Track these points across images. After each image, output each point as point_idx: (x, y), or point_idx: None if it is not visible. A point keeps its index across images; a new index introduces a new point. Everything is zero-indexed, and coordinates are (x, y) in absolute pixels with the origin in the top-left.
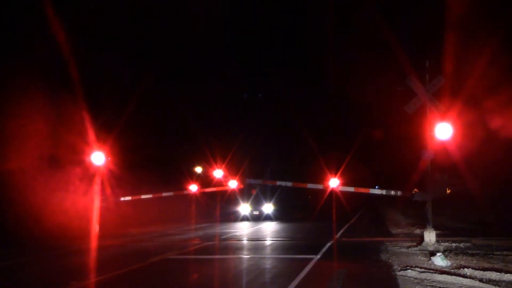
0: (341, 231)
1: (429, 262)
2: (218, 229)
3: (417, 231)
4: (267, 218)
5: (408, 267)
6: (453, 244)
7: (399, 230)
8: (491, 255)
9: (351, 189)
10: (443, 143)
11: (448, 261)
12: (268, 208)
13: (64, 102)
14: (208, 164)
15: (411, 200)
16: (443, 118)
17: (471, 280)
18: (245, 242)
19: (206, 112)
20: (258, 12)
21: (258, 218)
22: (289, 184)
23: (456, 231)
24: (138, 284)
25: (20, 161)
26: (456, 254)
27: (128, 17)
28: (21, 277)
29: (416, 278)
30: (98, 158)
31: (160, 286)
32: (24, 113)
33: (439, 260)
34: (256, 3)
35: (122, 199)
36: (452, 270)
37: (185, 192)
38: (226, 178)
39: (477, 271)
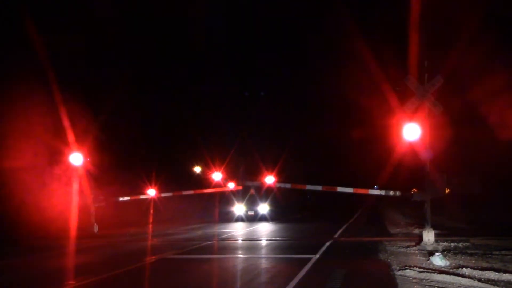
0: (340, 230)
1: (428, 261)
2: (215, 229)
3: (416, 231)
4: (263, 218)
5: (407, 267)
6: (452, 244)
7: (398, 230)
8: (489, 255)
9: (350, 190)
10: (441, 143)
11: (447, 260)
12: (263, 208)
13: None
14: (206, 166)
15: (410, 200)
16: (441, 117)
17: (469, 279)
18: (243, 242)
19: (205, 113)
20: (256, 11)
21: (253, 218)
22: (288, 185)
23: (454, 231)
24: (136, 284)
25: (15, 161)
26: (454, 253)
27: (122, 15)
28: (16, 277)
29: (414, 278)
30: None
31: (158, 286)
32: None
33: (438, 260)
34: (256, 3)
35: (120, 199)
36: (451, 270)
37: (184, 193)
38: (225, 180)
39: (476, 270)
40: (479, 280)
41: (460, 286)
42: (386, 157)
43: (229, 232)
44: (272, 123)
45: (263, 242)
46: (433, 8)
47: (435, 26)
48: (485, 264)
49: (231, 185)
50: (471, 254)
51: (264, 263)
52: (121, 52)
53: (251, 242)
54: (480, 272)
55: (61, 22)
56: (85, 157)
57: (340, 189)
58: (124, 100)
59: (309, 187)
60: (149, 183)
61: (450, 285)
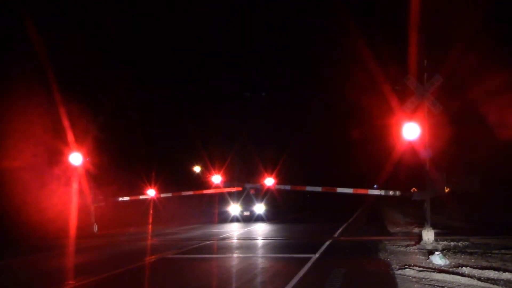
0: (340, 230)
1: (428, 261)
2: (211, 229)
3: (416, 230)
4: (259, 218)
5: (407, 266)
6: (452, 243)
7: (398, 229)
8: (489, 254)
9: (349, 190)
10: (441, 142)
11: (447, 259)
12: (259, 208)
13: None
14: (206, 169)
15: (410, 199)
16: (441, 117)
17: (469, 278)
18: (242, 241)
19: (205, 113)
20: (257, 11)
21: (249, 219)
22: (288, 187)
23: (454, 230)
24: (136, 284)
25: (15, 161)
26: (454, 252)
27: (121, 15)
28: (16, 278)
29: (414, 277)
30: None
31: (157, 285)
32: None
33: (438, 259)
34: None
35: (120, 199)
36: (451, 269)
37: (184, 193)
38: (225, 183)
39: (476, 269)
40: (479, 279)
41: (460, 285)
42: (386, 157)
43: (226, 233)
44: (272, 124)
45: (262, 242)
46: (433, 8)
47: (434, 25)
48: (484, 263)
49: (227, 184)
50: (470, 253)
51: (263, 263)
52: (121, 52)
53: (250, 242)
54: (480, 271)
55: (61, 22)
56: (84, 157)
57: (340, 190)
58: (124, 100)
59: (308, 188)
60: (149, 183)
61: (449, 284)
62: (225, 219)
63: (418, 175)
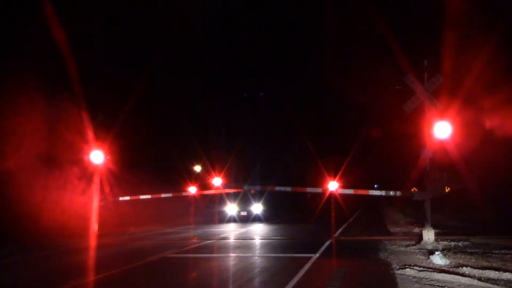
0: (340, 230)
1: (428, 260)
2: (212, 229)
3: (416, 230)
4: (256, 219)
5: (407, 266)
6: (452, 243)
7: (398, 229)
8: (489, 254)
9: (350, 191)
10: (442, 142)
11: (447, 259)
12: (257, 208)
13: (63, 100)
14: (207, 172)
15: (411, 199)
16: (441, 117)
17: (469, 278)
18: (242, 241)
19: (206, 115)
20: (256, 11)
21: (247, 219)
22: (288, 189)
23: (454, 230)
24: (137, 282)
25: (18, 160)
26: (454, 252)
27: (127, 15)
28: (20, 275)
29: (414, 277)
30: (97, 156)
31: (159, 285)
32: (22, 111)
33: (438, 259)
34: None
35: (120, 198)
36: (451, 269)
37: (184, 194)
38: (225, 185)
39: (476, 269)
40: (479, 279)
41: (460, 285)
42: (387, 155)
43: (224, 233)
44: (272, 125)
45: (262, 242)
46: (434, 7)
47: (435, 24)
48: (485, 263)
49: (227, 186)
50: (471, 253)
51: (263, 262)
52: (122, 51)
53: (250, 241)
54: (480, 271)
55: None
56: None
57: (340, 191)
58: (127, 101)
59: (309, 189)
60: (149, 184)
61: (450, 284)
62: (221, 219)
63: (419, 175)
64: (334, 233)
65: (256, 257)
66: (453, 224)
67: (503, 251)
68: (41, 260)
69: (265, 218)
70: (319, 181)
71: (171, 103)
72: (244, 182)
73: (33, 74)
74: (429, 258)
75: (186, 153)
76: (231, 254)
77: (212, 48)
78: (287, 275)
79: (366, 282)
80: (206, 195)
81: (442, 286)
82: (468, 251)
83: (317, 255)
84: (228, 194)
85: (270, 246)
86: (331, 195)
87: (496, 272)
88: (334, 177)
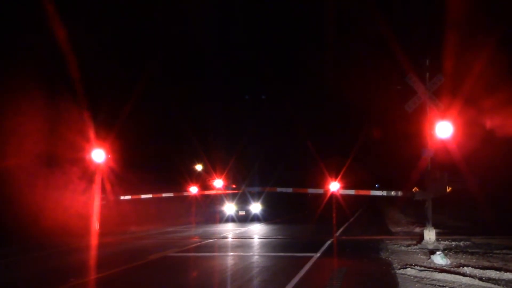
0: (341, 229)
1: (429, 260)
2: (212, 228)
3: (417, 229)
4: (255, 218)
5: (408, 266)
6: (453, 243)
7: (399, 229)
8: (490, 254)
9: (351, 192)
10: (443, 141)
11: (448, 259)
12: (256, 207)
13: (63, 99)
14: (208, 173)
15: (412, 199)
16: (443, 116)
17: (470, 278)
18: (243, 240)
19: (206, 116)
20: (256, 11)
21: (245, 219)
22: (290, 190)
23: (456, 230)
24: (138, 281)
25: (18, 159)
26: (456, 252)
27: (128, 15)
28: (21, 274)
29: (415, 277)
30: (98, 155)
31: (160, 283)
32: (22, 110)
33: (439, 259)
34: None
35: (122, 197)
36: (452, 269)
37: (185, 193)
38: (227, 187)
39: (477, 269)
40: (480, 279)
41: (461, 285)
42: (388, 156)
43: (224, 232)
44: (272, 125)
45: (263, 241)
46: (436, 7)
47: (437, 24)
48: (486, 263)
49: (228, 188)
50: (472, 253)
51: (264, 262)
52: (124, 51)
53: (251, 241)
54: (481, 271)
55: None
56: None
57: (342, 192)
58: (128, 100)
59: (310, 190)
60: (150, 183)
61: (451, 284)
62: (220, 219)
63: (419, 175)
64: (335, 233)
65: (257, 256)
66: (454, 224)
67: (504, 251)
68: (42, 259)
69: (264, 218)
70: (320, 182)
71: (172, 103)
72: (244, 182)
73: (34, 74)
74: (430, 258)
75: (187, 153)
76: (232, 253)
77: (213, 49)
78: (288, 274)
79: (367, 281)
80: (208, 196)
81: (443, 286)
82: (469, 251)
83: (318, 254)
84: (226, 193)
85: (271, 245)
86: (333, 195)
87: (497, 272)
88: (336, 177)
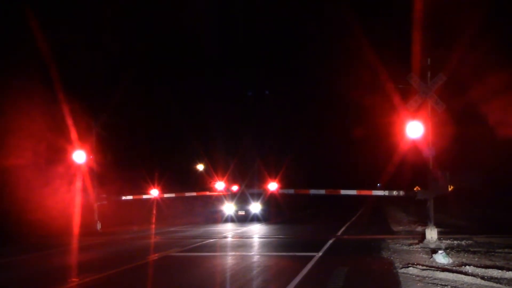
0: (343, 229)
1: (431, 259)
2: (213, 228)
3: (419, 228)
4: (255, 218)
5: (410, 265)
6: (455, 242)
7: (401, 228)
8: (492, 253)
9: (353, 192)
10: (443, 141)
11: (450, 258)
12: (255, 207)
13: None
14: (209, 175)
15: (414, 199)
16: (443, 116)
17: (472, 277)
18: (244, 240)
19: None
20: (258, 10)
21: (245, 219)
22: (291, 191)
23: (457, 229)
24: (139, 281)
25: (19, 159)
26: (457, 251)
27: (128, 15)
28: (20, 274)
29: (417, 276)
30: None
31: (161, 283)
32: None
33: (441, 258)
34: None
35: (123, 198)
36: (454, 268)
37: (186, 194)
38: (228, 190)
39: (479, 268)
40: (482, 278)
41: (463, 284)
42: (389, 156)
43: (225, 232)
44: (273, 126)
45: (265, 240)
46: (436, 6)
47: (438, 23)
48: (488, 262)
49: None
50: (474, 252)
51: (266, 261)
52: (123, 52)
53: (252, 240)
54: (483, 270)
55: (65, 20)
56: (88, 155)
57: (343, 192)
58: (126, 99)
59: (312, 191)
60: (152, 183)
61: (452, 283)
62: (219, 219)
63: (420, 174)
64: (337, 232)
65: (259, 256)
66: (456, 223)
67: (506, 250)
68: (42, 258)
69: (264, 218)
70: (321, 182)
71: (172, 103)
72: (243, 182)
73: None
74: (432, 257)
75: (187, 153)
76: (233, 253)
77: (214, 47)
78: (290, 273)
79: (369, 280)
80: (210, 197)
81: (445, 285)
82: (471, 250)
83: (320, 253)
84: (226, 193)
85: (272, 245)
86: (333, 195)
87: (499, 271)
88: (336, 178)
